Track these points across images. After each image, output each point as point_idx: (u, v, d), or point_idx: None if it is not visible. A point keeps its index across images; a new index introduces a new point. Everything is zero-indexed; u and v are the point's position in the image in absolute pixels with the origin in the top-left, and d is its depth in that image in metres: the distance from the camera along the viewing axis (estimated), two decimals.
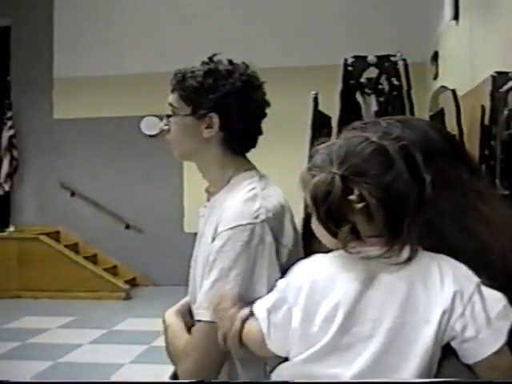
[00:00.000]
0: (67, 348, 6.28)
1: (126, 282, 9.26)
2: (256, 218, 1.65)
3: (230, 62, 1.83)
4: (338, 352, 1.19)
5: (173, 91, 1.84)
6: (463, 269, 1.19)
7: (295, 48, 9.08)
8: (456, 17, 6.45)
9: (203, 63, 1.82)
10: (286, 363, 1.27)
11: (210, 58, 1.83)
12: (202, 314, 1.65)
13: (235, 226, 1.64)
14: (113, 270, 9.52)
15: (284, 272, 1.60)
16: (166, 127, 1.86)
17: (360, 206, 1.15)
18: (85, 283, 8.87)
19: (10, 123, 9.90)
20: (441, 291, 1.17)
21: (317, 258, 1.28)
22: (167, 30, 9.47)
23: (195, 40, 8.85)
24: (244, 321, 1.38)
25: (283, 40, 9.11)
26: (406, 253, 1.19)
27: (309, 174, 1.23)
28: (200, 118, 1.79)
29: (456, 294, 1.16)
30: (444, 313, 1.15)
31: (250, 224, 1.64)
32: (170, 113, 1.85)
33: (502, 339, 1.15)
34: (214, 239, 1.69)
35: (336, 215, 1.18)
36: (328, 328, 1.19)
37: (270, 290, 1.58)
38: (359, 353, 1.17)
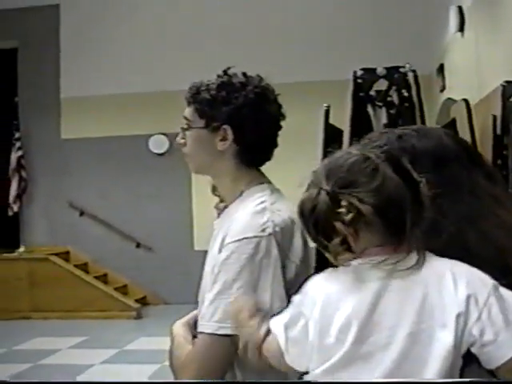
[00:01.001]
0: (79, 368, 6.26)
1: (137, 300, 9.26)
2: (263, 231, 1.64)
3: (244, 75, 1.83)
4: (358, 362, 1.17)
5: (188, 104, 1.84)
6: (477, 273, 1.17)
7: (304, 63, 9.11)
8: (461, 29, 6.46)
9: (218, 76, 1.83)
10: (307, 376, 1.26)
11: (225, 71, 1.84)
12: (204, 326, 1.64)
13: (241, 239, 1.64)
14: (123, 289, 9.51)
15: (290, 287, 1.59)
16: (182, 141, 1.86)
17: (349, 217, 1.15)
18: (95, 303, 8.86)
19: (18, 144, 9.95)
20: (454, 294, 1.14)
21: (330, 271, 1.27)
22: (175, 48, 9.52)
23: (204, 57, 8.88)
24: (265, 334, 1.37)
25: (292, 55, 9.14)
26: (414, 257, 1.18)
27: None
28: (214, 130, 1.79)
29: (470, 298, 1.13)
30: (459, 316, 1.13)
31: (255, 237, 1.63)
32: (185, 126, 1.84)
33: None
34: (220, 250, 1.69)
35: (325, 229, 1.19)
36: (344, 339, 1.18)
37: (272, 304, 1.58)
38: (379, 361, 1.16)
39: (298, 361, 1.28)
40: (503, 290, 1.15)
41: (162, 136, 9.60)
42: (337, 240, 1.18)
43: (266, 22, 9.34)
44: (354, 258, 1.20)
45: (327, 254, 1.22)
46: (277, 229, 1.65)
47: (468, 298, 1.13)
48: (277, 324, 1.32)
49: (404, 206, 1.17)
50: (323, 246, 1.21)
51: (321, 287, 1.25)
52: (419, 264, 1.18)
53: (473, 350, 1.14)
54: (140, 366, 6.33)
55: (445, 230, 1.23)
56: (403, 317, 1.16)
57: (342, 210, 1.16)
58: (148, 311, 9.17)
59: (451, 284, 1.16)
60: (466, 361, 1.16)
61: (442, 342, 1.13)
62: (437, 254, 1.21)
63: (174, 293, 9.25)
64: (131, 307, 8.94)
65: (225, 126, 1.77)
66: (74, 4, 9.88)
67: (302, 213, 1.22)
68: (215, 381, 1.65)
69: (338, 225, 1.17)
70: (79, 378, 5.92)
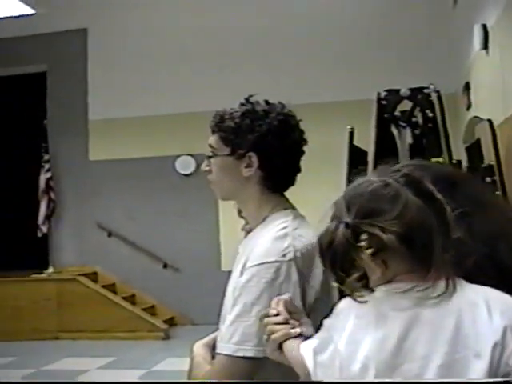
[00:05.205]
0: None
1: (165, 321, 9.26)
2: (283, 256, 1.66)
3: (267, 103, 1.87)
4: None
5: (213, 132, 1.88)
6: (510, 300, 1.14)
7: (328, 83, 9.12)
8: (485, 46, 6.44)
9: (241, 104, 1.86)
10: None
11: (247, 99, 1.87)
12: (222, 347, 1.66)
13: (262, 263, 1.66)
14: (151, 310, 9.53)
15: (310, 311, 1.59)
16: (207, 168, 1.90)
17: (370, 251, 1.13)
18: (123, 323, 8.89)
19: (47, 166, 10.07)
20: (489, 323, 1.11)
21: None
22: (201, 70, 9.58)
23: (228, 80, 8.98)
24: (293, 335, 1.34)
25: (316, 75, 9.15)
26: (443, 284, 1.14)
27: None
28: (239, 157, 1.82)
29: (507, 329, 1.10)
30: (495, 345, 1.10)
31: (276, 262, 1.65)
32: (210, 154, 1.88)
33: None
34: (242, 273, 1.72)
35: (343, 263, 1.17)
36: (370, 366, 1.15)
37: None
38: None
39: None
40: None
41: (189, 157, 9.66)
42: (355, 276, 1.17)
43: (290, 43, 9.38)
44: (384, 284, 1.18)
45: (344, 288, 1.21)
46: (298, 254, 1.67)
47: (505, 329, 1.10)
48: (306, 348, 1.30)
49: (429, 230, 1.14)
50: (340, 280, 1.20)
51: (351, 311, 1.22)
52: (449, 291, 1.14)
53: (510, 378, 1.10)
54: None
55: (474, 249, 1.20)
56: (435, 347, 1.12)
57: (363, 243, 1.14)
58: (176, 332, 9.17)
59: (485, 313, 1.12)
60: None
61: (477, 372, 1.10)
62: (469, 275, 1.19)
63: (201, 313, 9.23)
64: (159, 328, 8.95)
65: (250, 154, 1.81)
66: (102, 28, 10.02)
67: (320, 246, 1.20)
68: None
69: (359, 259, 1.15)
70: None
